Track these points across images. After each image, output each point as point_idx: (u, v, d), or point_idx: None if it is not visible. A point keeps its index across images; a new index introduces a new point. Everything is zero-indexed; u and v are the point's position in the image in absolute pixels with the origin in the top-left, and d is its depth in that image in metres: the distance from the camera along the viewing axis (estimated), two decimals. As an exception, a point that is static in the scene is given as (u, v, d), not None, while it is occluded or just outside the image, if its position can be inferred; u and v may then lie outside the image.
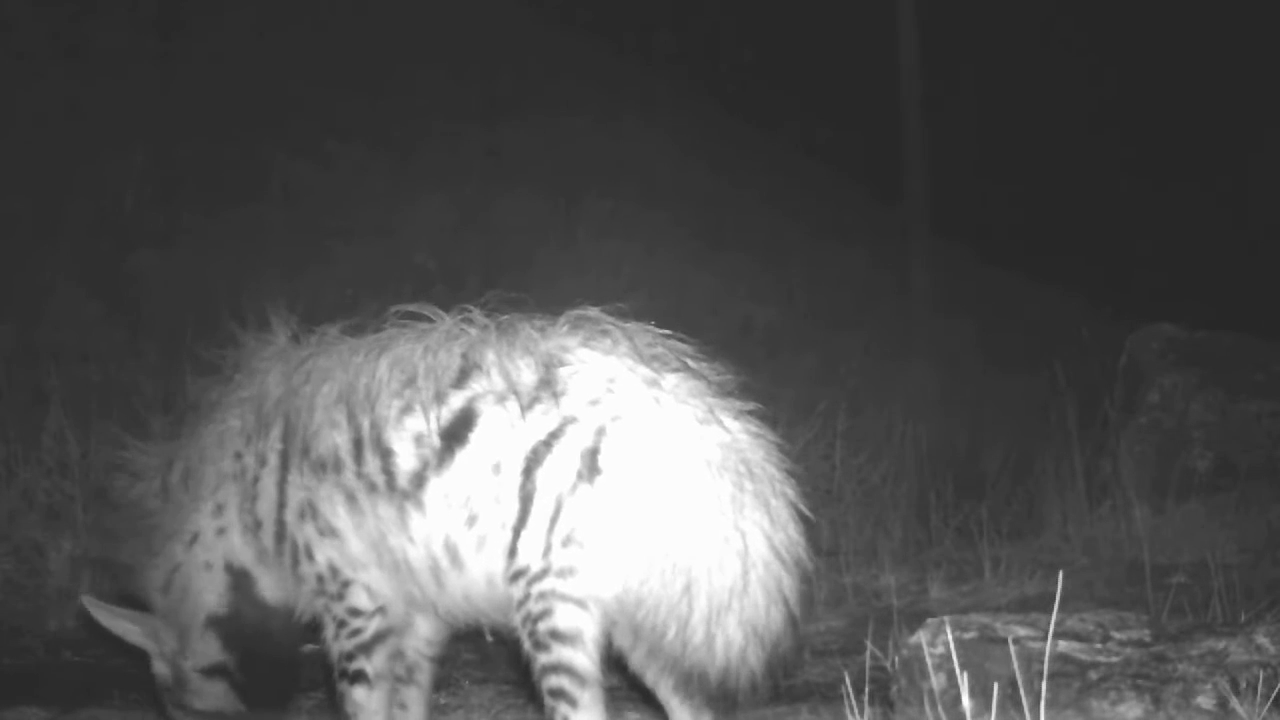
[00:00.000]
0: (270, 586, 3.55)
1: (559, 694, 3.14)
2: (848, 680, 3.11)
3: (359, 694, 3.41)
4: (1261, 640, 3.14)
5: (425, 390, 3.28)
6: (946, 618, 3.30)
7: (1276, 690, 2.96)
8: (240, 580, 3.55)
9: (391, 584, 3.39)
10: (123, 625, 3.69)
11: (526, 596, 3.16)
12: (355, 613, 3.40)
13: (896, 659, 3.35)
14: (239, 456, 3.51)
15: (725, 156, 13.03)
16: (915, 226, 12.05)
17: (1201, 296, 9.29)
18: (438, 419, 3.25)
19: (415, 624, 3.57)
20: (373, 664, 3.41)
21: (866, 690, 3.34)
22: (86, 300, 8.93)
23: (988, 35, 14.15)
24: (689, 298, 10.03)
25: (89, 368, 7.41)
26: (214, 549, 3.53)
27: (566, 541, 3.13)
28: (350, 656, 3.41)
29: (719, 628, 3.10)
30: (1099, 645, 3.20)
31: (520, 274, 9.53)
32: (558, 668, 3.14)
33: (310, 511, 3.39)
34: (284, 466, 3.43)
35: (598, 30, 13.86)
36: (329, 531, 3.38)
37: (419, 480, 3.27)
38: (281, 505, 3.44)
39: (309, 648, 4.54)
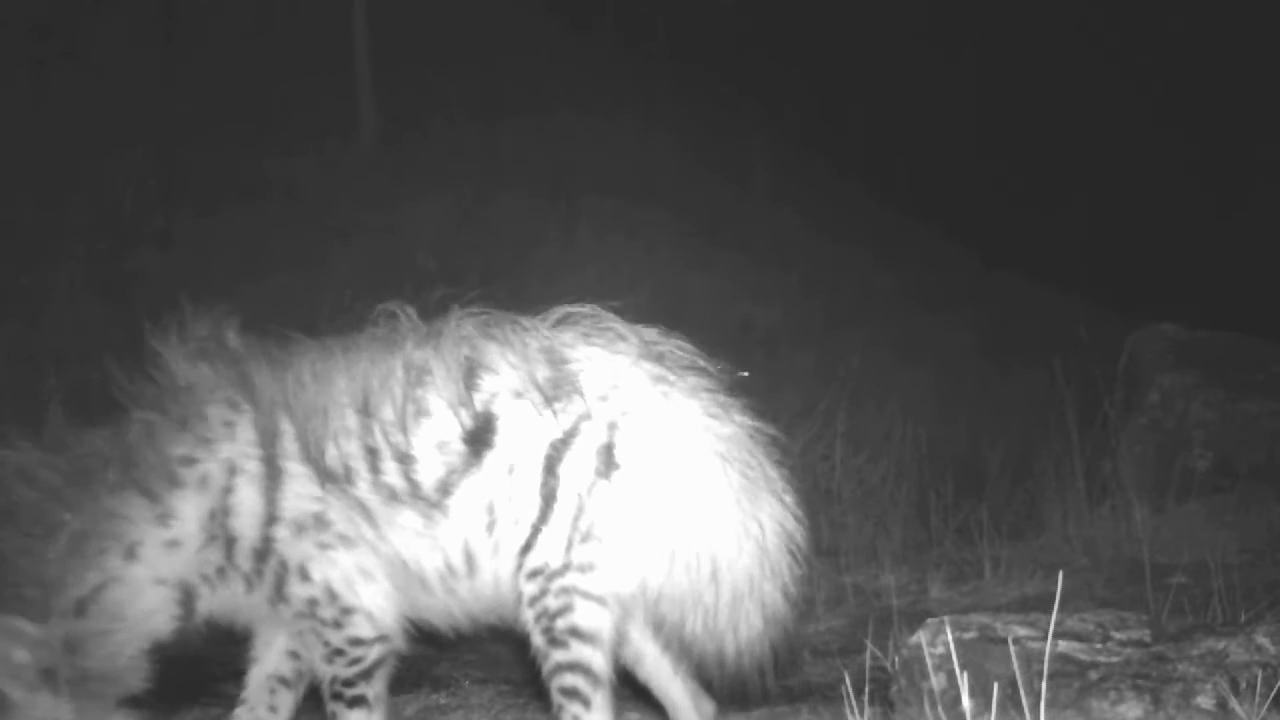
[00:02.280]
0: (213, 604, 3.25)
1: (572, 694, 3.10)
2: (848, 680, 3.10)
3: (357, 717, 3.27)
4: (1261, 640, 3.13)
5: (447, 393, 3.18)
6: (946, 618, 3.29)
7: (1276, 690, 2.95)
8: (187, 598, 3.23)
9: (396, 599, 3.27)
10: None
11: (544, 592, 3.12)
12: (356, 642, 3.24)
13: (896, 659, 3.33)
14: (192, 462, 3.20)
15: (725, 156, 13.03)
16: (915, 226, 12.08)
17: (1201, 296, 9.30)
18: (464, 422, 3.17)
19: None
20: (373, 688, 3.28)
21: (866, 690, 3.34)
22: (86, 300, 8.92)
23: (987, 35, 14.15)
24: (689, 298, 10.03)
25: (89, 368, 7.39)
26: (160, 563, 3.18)
27: (586, 537, 3.12)
28: (350, 683, 3.27)
29: (741, 613, 3.17)
30: (1099, 645, 3.19)
31: (520, 273, 9.54)
32: (574, 666, 3.11)
33: (316, 525, 3.18)
34: (272, 476, 3.19)
35: (597, 30, 13.88)
36: (338, 545, 3.19)
37: (446, 487, 3.16)
38: (271, 520, 3.19)
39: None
